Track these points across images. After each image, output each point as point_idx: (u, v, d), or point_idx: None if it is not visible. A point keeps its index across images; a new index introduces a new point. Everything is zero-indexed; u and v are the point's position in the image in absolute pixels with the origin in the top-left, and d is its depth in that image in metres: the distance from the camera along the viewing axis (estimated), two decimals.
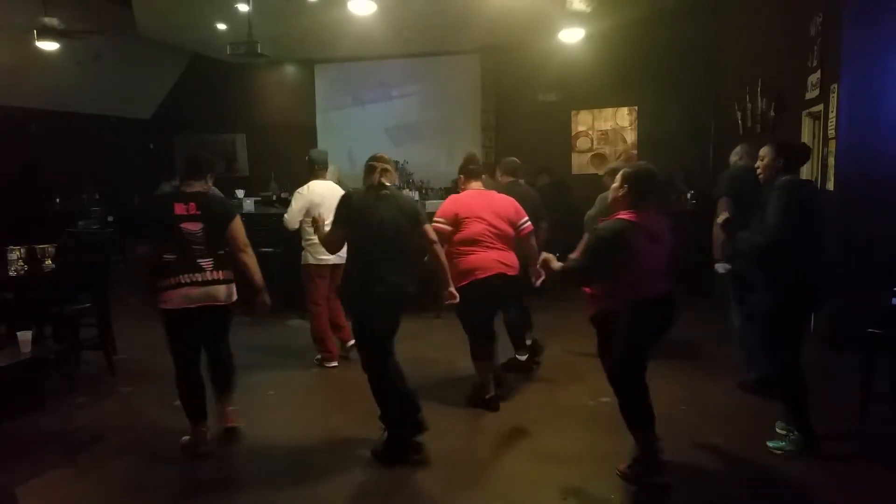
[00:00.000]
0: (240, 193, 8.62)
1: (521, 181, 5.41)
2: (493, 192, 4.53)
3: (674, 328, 3.26)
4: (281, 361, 5.41)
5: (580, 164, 10.30)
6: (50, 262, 5.07)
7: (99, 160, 10.87)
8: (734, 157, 4.93)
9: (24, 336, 4.42)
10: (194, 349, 3.76)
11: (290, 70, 11.66)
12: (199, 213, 3.63)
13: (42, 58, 8.08)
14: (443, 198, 8.97)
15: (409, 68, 11.04)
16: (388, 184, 3.58)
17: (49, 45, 7.59)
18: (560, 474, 3.37)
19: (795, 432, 3.51)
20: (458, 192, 4.54)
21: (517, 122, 10.44)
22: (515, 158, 5.44)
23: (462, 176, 4.50)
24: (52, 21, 7.30)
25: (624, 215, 3.13)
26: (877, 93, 5.07)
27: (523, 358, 5.02)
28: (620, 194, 3.18)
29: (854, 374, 3.93)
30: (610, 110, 10.24)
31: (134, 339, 5.82)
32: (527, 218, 4.45)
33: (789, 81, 6.45)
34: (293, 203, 5.13)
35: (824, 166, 5.53)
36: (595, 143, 10.30)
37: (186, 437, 3.77)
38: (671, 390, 4.36)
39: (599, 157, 10.27)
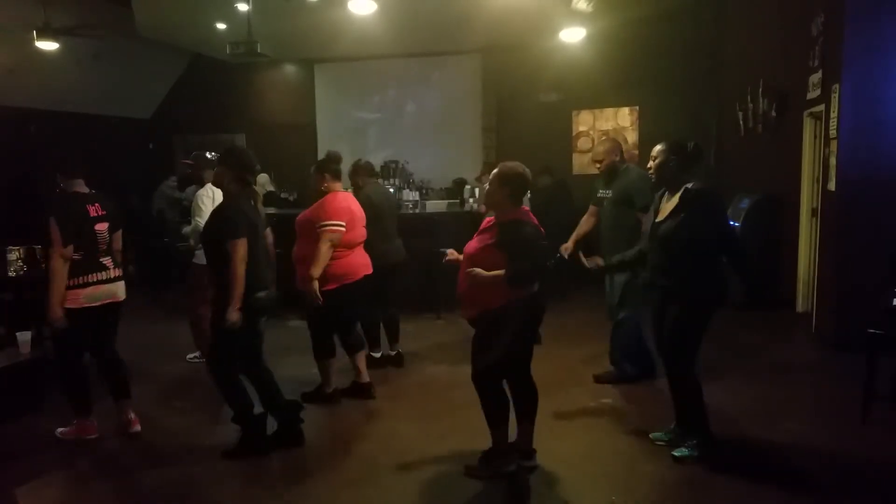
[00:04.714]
0: None
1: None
2: (351, 195, 4.58)
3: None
4: (280, 361, 5.39)
5: (581, 164, 10.28)
6: None
7: (99, 160, 10.84)
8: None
9: (24, 337, 4.42)
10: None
11: (290, 70, 11.64)
12: None
13: (42, 58, 8.07)
14: (443, 198, 9.02)
15: (409, 68, 11.01)
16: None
17: (49, 45, 7.58)
18: (561, 475, 3.36)
19: (689, 433, 3.49)
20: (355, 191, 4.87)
21: (518, 123, 10.43)
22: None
23: (327, 175, 4.31)
24: (56, 24, 7.33)
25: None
26: (878, 93, 5.07)
27: (377, 355, 5.21)
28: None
29: (854, 374, 3.92)
30: (611, 110, 10.23)
31: (134, 339, 5.79)
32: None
33: (791, 81, 6.45)
34: (205, 206, 4.78)
35: (825, 166, 5.52)
36: (596, 143, 10.29)
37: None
38: None
39: None
